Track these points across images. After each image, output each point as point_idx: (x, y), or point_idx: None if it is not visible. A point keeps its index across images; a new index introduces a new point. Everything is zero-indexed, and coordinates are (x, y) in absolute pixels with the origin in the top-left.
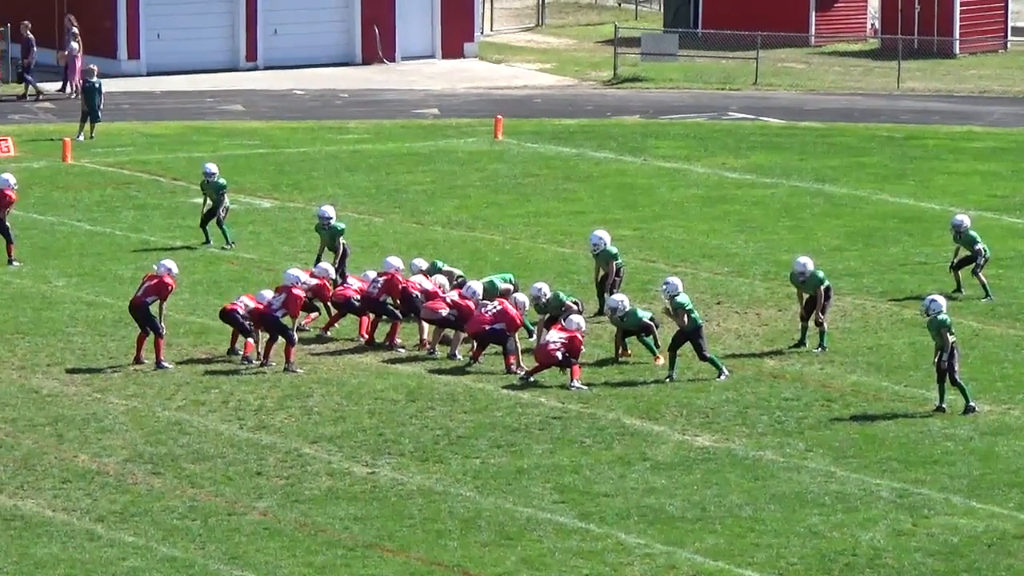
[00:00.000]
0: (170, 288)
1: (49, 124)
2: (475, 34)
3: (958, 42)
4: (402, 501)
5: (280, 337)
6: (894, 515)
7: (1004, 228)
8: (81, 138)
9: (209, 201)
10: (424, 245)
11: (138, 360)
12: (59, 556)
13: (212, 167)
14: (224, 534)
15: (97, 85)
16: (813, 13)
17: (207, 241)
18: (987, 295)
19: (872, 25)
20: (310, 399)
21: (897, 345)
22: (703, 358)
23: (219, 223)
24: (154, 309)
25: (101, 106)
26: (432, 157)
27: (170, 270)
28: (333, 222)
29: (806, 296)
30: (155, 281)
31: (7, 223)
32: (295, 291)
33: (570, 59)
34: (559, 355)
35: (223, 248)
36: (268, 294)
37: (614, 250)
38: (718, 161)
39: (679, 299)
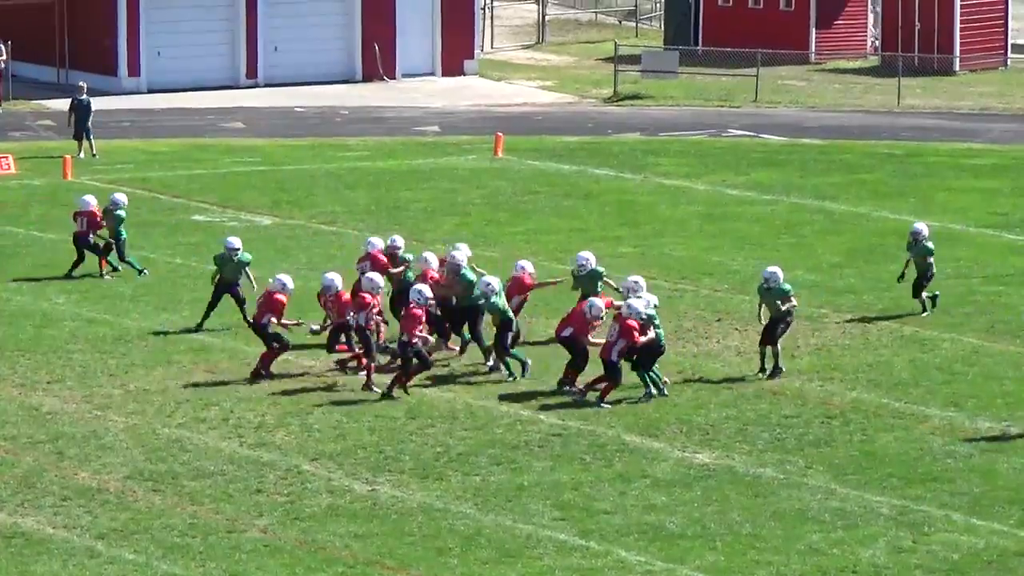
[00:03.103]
0: (281, 304)
1: (50, 141)
2: (475, 51)
3: (958, 59)
4: (402, 518)
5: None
6: (894, 532)
7: (1004, 245)
8: (81, 156)
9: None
10: None
11: (257, 375)
12: (59, 574)
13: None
14: (224, 552)
15: (86, 102)
16: (813, 30)
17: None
18: (924, 310)
19: (872, 42)
20: (310, 416)
21: (897, 362)
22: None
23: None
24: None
25: (89, 123)
26: (432, 174)
27: (284, 285)
28: (240, 254)
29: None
30: (266, 298)
31: (93, 241)
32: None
33: (570, 76)
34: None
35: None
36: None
37: (601, 270)
38: (718, 178)
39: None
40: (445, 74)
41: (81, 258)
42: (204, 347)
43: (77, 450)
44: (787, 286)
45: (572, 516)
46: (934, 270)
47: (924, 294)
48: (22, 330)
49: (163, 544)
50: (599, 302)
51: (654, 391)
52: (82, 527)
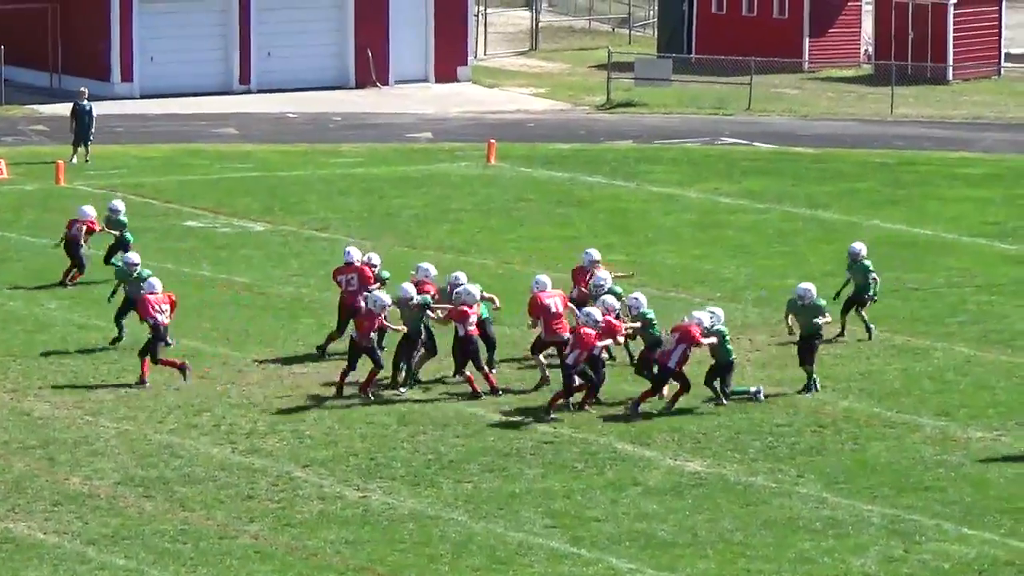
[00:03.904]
0: (367, 323)
1: (42, 146)
2: (468, 58)
3: (951, 68)
4: (393, 525)
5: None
6: (885, 541)
7: (997, 254)
8: (74, 161)
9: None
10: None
11: (364, 391)
12: None
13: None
14: (215, 557)
15: (87, 108)
16: (807, 39)
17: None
18: (869, 335)
19: (866, 51)
20: (302, 423)
21: (889, 371)
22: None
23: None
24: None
25: (92, 129)
26: (425, 181)
27: (379, 303)
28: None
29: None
30: (366, 317)
31: (83, 252)
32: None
33: (563, 84)
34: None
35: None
36: None
37: (619, 289)
38: (711, 186)
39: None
40: (438, 81)
41: (74, 265)
42: (195, 353)
43: (68, 455)
44: (821, 301)
45: (563, 524)
46: (877, 290)
47: (864, 314)
48: (14, 335)
49: (154, 550)
50: (596, 313)
51: (722, 400)
52: (73, 533)
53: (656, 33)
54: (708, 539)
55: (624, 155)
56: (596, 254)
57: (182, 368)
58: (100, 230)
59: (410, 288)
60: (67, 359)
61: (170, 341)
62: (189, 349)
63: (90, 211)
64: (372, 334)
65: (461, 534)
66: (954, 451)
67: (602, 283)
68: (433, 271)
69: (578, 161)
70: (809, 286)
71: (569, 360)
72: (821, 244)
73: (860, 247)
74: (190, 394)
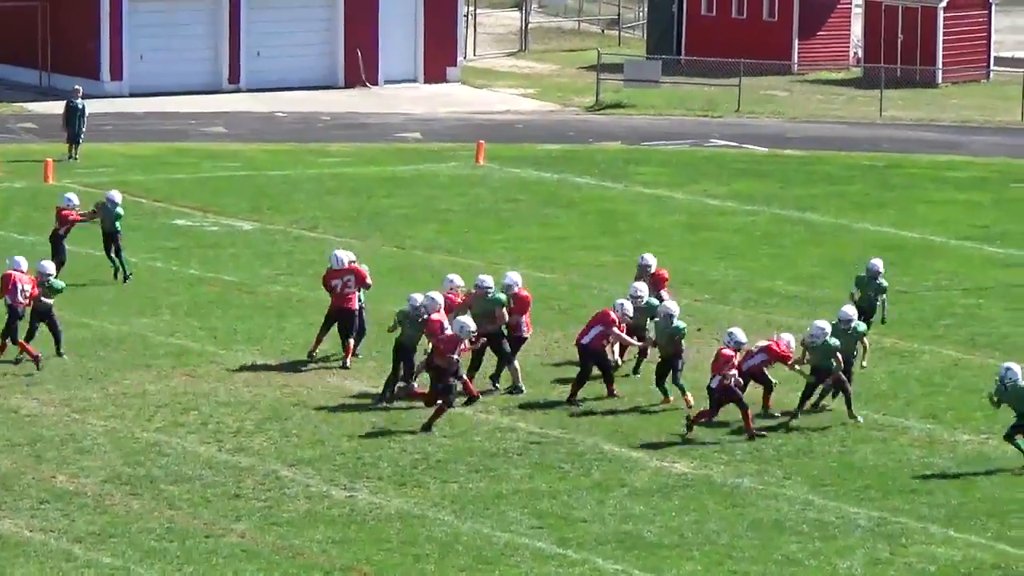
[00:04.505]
0: (447, 346)
1: (32, 144)
2: (458, 59)
3: (941, 71)
4: (380, 525)
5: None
6: (872, 544)
7: (984, 258)
8: (75, 158)
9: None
10: (404, 269)
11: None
12: None
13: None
14: (202, 556)
15: (80, 106)
16: (796, 41)
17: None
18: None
19: (855, 54)
20: (289, 422)
21: (876, 374)
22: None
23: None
24: None
25: (84, 128)
26: (413, 181)
27: (465, 329)
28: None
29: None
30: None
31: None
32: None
33: (553, 84)
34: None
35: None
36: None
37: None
38: (700, 188)
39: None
40: (427, 81)
41: (61, 260)
42: (183, 351)
43: (55, 453)
44: (862, 326)
45: (550, 524)
46: (884, 314)
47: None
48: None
49: (140, 548)
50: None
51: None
52: (59, 530)
53: (645, 34)
54: (694, 540)
55: (613, 156)
56: (650, 258)
57: (36, 359)
58: (82, 217)
59: (417, 298)
60: (55, 357)
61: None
62: (177, 347)
63: (74, 198)
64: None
65: (447, 534)
66: (941, 454)
67: (640, 295)
68: (459, 281)
69: (567, 162)
70: (824, 324)
71: (713, 384)
72: (809, 246)
73: (880, 266)
74: (178, 392)
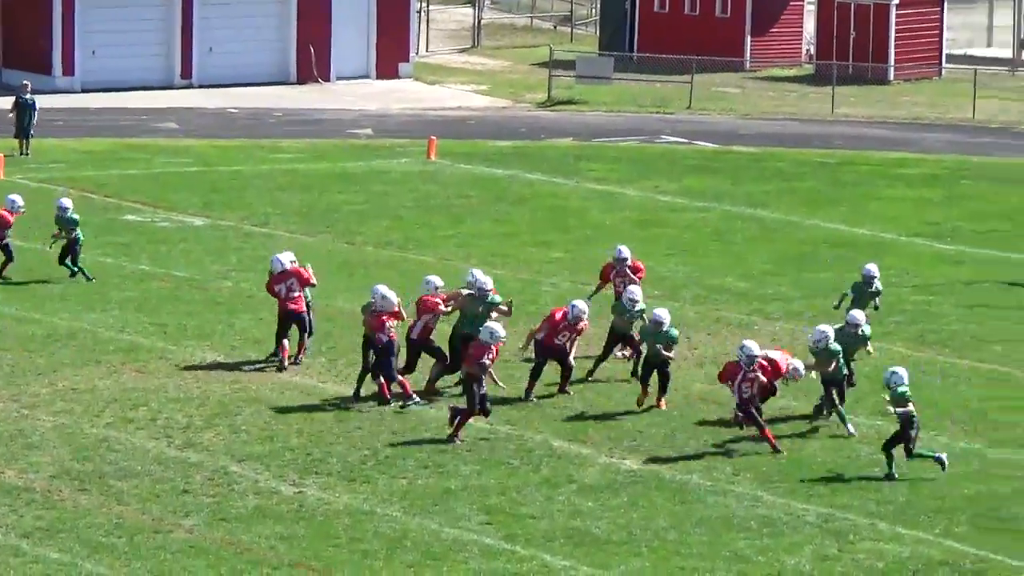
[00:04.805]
0: (476, 352)
1: None
2: (410, 55)
3: (893, 68)
4: (328, 520)
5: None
6: (820, 540)
7: (935, 254)
8: (26, 154)
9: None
10: (355, 265)
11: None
12: None
13: (67, 202)
14: (150, 551)
15: (30, 101)
16: (748, 38)
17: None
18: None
19: (807, 51)
20: (238, 417)
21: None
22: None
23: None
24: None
25: (34, 123)
26: (365, 177)
27: (495, 335)
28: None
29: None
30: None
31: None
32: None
33: (505, 81)
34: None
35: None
36: None
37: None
38: (651, 184)
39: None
40: (380, 77)
41: (9, 258)
42: (133, 347)
43: (3, 448)
44: (836, 346)
45: (498, 520)
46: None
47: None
48: None
49: (89, 543)
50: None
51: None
52: (7, 526)
53: (598, 31)
54: (643, 537)
55: (564, 153)
56: (626, 251)
57: None
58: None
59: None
60: (4, 352)
61: None
62: (126, 343)
63: (18, 200)
64: (486, 361)
65: (396, 530)
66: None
67: (636, 298)
68: (438, 282)
69: (518, 158)
70: (826, 329)
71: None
72: (760, 243)
73: (875, 271)
74: (127, 388)
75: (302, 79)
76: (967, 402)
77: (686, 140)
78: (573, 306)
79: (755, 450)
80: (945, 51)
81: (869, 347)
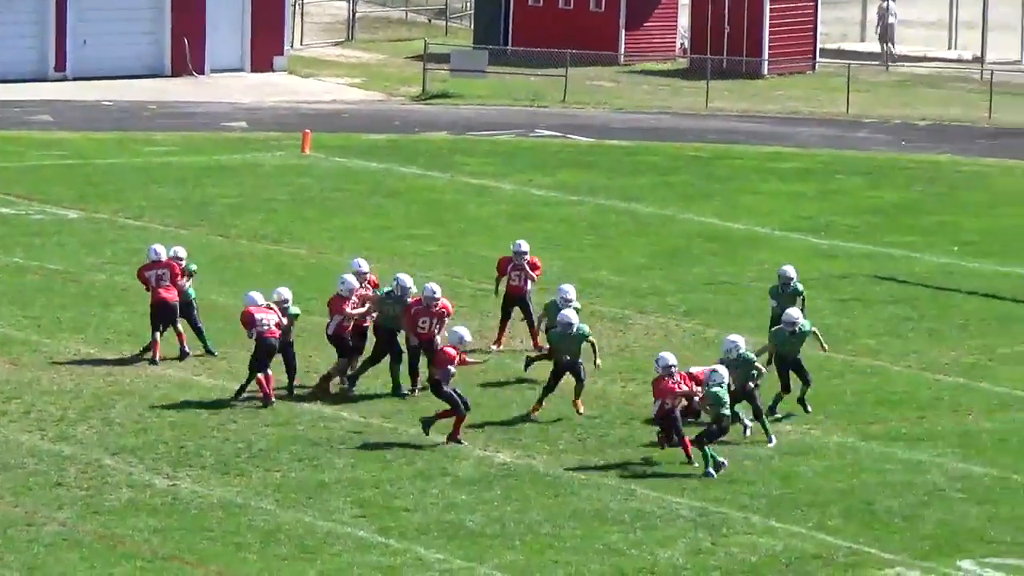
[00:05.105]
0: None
1: None
2: (285, 48)
3: (767, 63)
4: (202, 514)
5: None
6: (693, 534)
7: (809, 248)
8: None
9: None
10: (230, 259)
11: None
12: None
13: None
14: (22, 544)
15: None
16: (623, 32)
17: None
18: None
19: (681, 44)
20: (112, 410)
21: (701, 365)
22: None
23: None
24: None
25: None
26: (239, 170)
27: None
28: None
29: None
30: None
31: None
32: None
33: (379, 74)
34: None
35: None
36: None
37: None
38: (525, 178)
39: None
40: (254, 70)
41: None
42: (7, 340)
43: None
44: (808, 325)
45: (372, 513)
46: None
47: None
48: None
49: None
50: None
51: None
52: None
53: (472, 24)
54: (516, 530)
55: (439, 146)
56: (524, 245)
57: None
58: None
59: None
60: None
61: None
62: (0, 336)
63: None
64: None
65: (269, 523)
66: (763, 444)
67: (568, 296)
68: (354, 282)
69: (393, 152)
70: (737, 339)
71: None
72: (634, 237)
73: (791, 272)
74: (0, 381)
75: (176, 72)
76: (841, 395)
77: (560, 134)
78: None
79: (627, 444)
80: (819, 46)
81: (822, 340)
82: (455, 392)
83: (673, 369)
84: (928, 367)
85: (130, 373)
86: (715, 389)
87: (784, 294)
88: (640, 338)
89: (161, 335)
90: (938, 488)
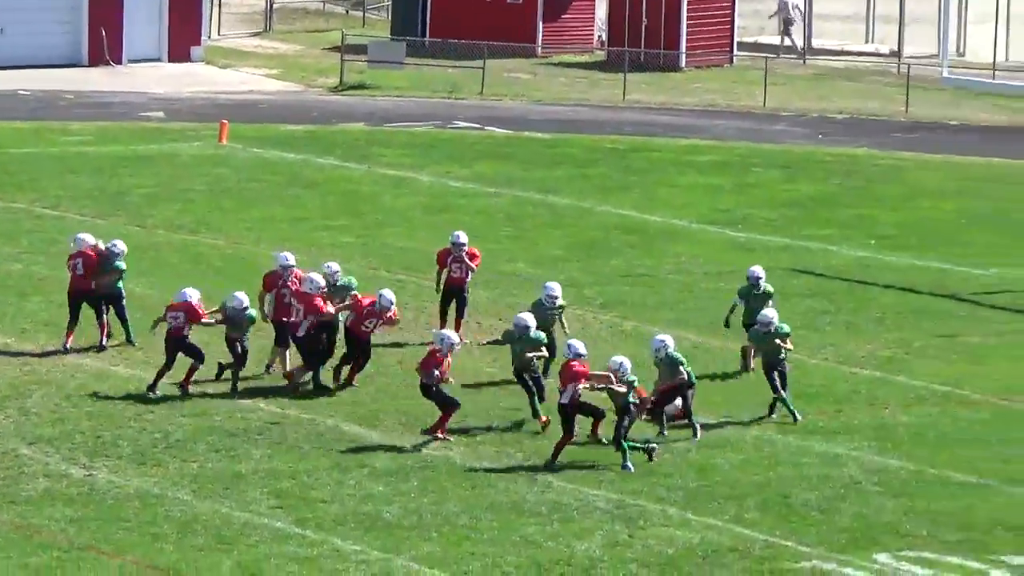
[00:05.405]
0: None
1: None
2: (202, 38)
3: (684, 55)
4: (119, 504)
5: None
6: (610, 526)
7: (726, 241)
8: None
9: None
10: (147, 249)
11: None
12: None
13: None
14: None
15: None
16: (540, 24)
17: None
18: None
19: (599, 37)
20: (28, 400)
21: (619, 356)
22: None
23: None
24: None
25: None
26: (156, 160)
27: (447, 340)
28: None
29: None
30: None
31: None
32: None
33: (297, 65)
34: None
35: None
36: None
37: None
38: (442, 169)
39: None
40: (172, 60)
41: None
42: None
43: None
44: (785, 327)
45: (289, 504)
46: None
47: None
48: None
49: None
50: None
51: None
52: None
53: (390, 16)
54: (433, 522)
55: (356, 137)
56: (463, 236)
57: None
58: None
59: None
60: None
61: None
62: None
63: None
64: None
65: (186, 513)
66: (679, 437)
67: (555, 294)
68: (320, 281)
69: (310, 143)
70: (665, 338)
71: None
72: (551, 229)
73: (760, 272)
74: None
75: (94, 62)
76: (758, 389)
77: (478, 125)
78: (381, 295)
79: (544, 437)
80: (736, 39)
81: (788, 344)
82: (443, 391)
83: (583, 356)
84: (845, 360)
85: (47, 363)
86: (630, 379)
87: (754, 295)
88: (556, 330)
89: (75, 324)
90: (854, 481)
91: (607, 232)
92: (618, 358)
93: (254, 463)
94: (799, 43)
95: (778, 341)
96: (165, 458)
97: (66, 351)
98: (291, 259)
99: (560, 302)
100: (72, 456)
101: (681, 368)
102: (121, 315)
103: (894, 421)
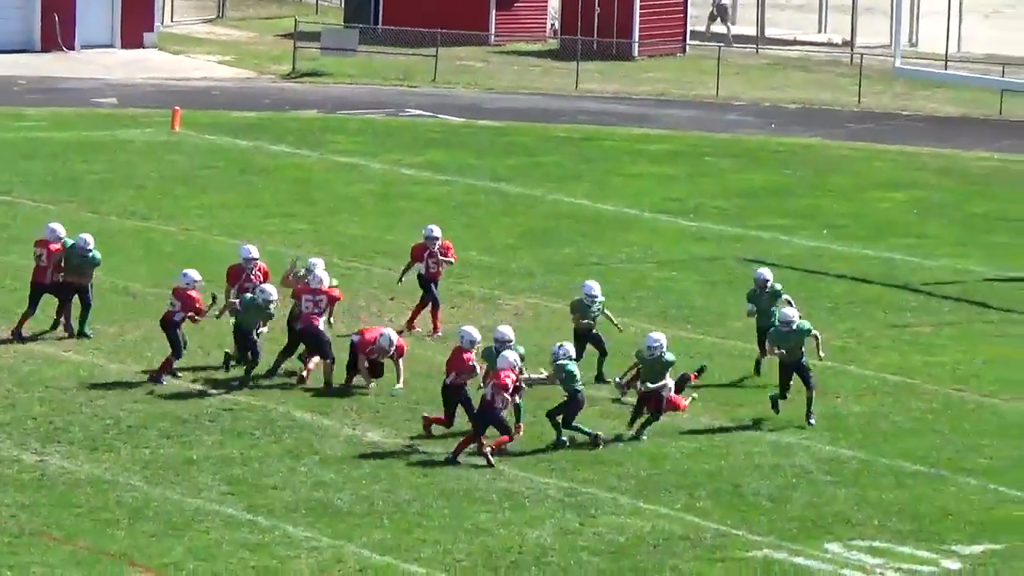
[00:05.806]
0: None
1: None
2: (155, 24)
3: (637, 45)
4: (70, 490)
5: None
6: (561, 514)
7: (678, 231)
8: None
9: None
10: (98, 235)
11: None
12: None
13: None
14: None
15: None
16: (493, 12)
17: None
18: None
19: (552, 25)
20: None
21: (569, 345)
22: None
23: None
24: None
25: None
26: (109, 147)
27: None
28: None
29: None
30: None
31: None
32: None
33: (249, 52)
34: None
35: None
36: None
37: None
38: (394, 157)
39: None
40: (125, 46)
41: None
42: None
43: None
44: (807, 324)
45: (240, 491)
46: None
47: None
48: None
49: None
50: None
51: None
52: None
53: (343, 3)
54: (385, 509)
55: (308, 125)
56: (436, 230)
57: None
58: None
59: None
60: None
61: None
62: None
63: None
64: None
65: (138, 499)
66: (631, 425)
67: (594, 293)
68: (195, 275)
69: (262, 129)
70: (659, 337)
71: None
72: (503, 217)
73: (768, 273)
74: None
75: (46, 47)
76: (709, 378)
77: (431, 113)
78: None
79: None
80: (689, 28)
81: (822, 351)
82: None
83: (476, 345)
84: None
85: None
86: (563, 362)
87: (764, 296)
88: (509, 319)
89: (31, 314)
90: (806, 471)
91: (559, 221)
92: (562, 344)
93: (206, 449)
94: (730, 31)
95: (814, 344)
96: (117, 444)
97: (21, 340)
98: (254, 252)
99: (600, 299)
100: (23, 442)
101: (667, 373)
102: (86, 303)
103: (846, 411)
